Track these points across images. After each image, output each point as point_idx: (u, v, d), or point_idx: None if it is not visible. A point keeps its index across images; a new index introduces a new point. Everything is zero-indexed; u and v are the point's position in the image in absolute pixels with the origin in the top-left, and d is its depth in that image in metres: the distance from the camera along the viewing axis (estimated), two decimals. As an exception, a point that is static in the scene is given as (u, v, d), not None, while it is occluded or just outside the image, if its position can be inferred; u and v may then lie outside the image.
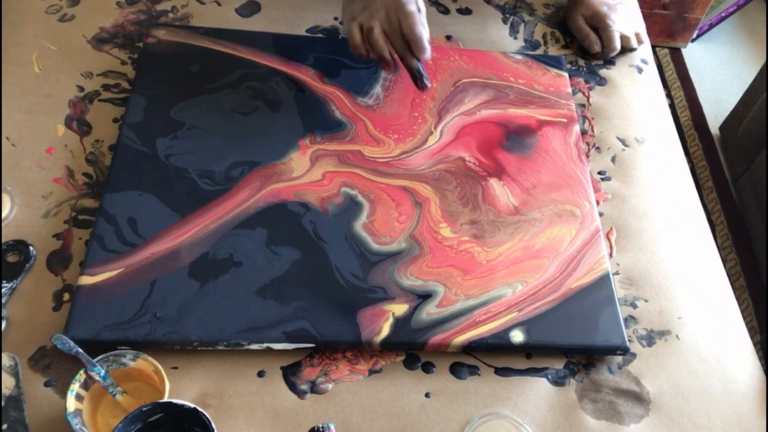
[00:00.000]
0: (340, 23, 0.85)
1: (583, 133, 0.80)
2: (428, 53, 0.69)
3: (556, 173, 0.73)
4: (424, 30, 0.68)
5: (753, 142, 1.60)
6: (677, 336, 0.66)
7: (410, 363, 0.61)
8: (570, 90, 0.81)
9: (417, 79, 0.71)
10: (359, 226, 0.66)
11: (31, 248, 0.62)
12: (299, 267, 0.62)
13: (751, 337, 0.89)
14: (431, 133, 0.75)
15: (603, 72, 0.86)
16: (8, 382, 0.54)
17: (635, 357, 0.64)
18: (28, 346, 0.57)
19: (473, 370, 0.61)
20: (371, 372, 0.60)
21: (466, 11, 0.90)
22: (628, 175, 0.77)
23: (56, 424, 0.54)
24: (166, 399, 0.52)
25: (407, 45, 0.69)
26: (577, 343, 0.62)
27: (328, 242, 0.64)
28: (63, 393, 0.55)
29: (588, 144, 0.79)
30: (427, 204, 0.69)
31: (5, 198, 0.65)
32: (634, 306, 0.67)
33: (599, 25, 0.87)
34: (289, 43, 0.79)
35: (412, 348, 0.61)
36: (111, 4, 0.82)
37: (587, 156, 0.78)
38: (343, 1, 0.71)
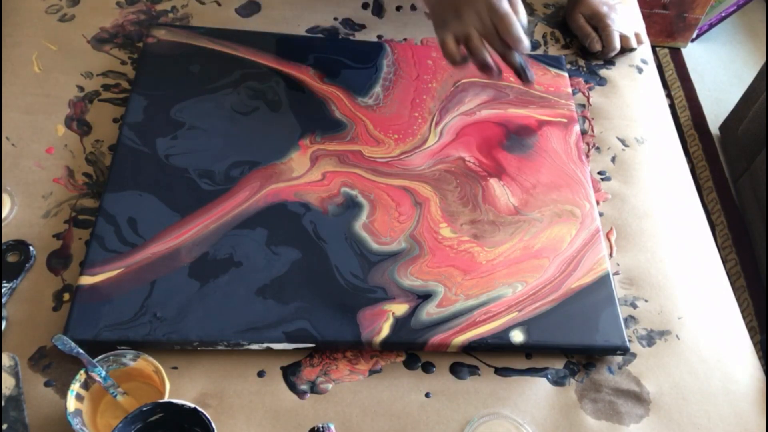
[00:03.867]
0: (336, 23, 0.85)
1: (583, 133, 0.80)
2: (527, 45, 0.67)
3: (556, 173, 0.73)
4: (521, 27, 0.67)
5: (753, 142, 1.60)
6: (677, 336, 0.66)
7: (410, 363, 0.61)
8: (570, 90, 0.81)
9: (521, 73, 0.70)
10: (359, 226, 0.66)
11: (31, 248, 0.62)
12: (299, 267, 0.62)
13: (751, 337, 0.89)
14: (431, 133, 0.75)
15: (603, 72, 0.86)
16: (8, 382, 0.54)
17: (635, 357, 0.64)
18: (28, 346, 0.57)
19: (473, 370, 0.61)
20: (371, 372, 0.60)
21: (466, 11, 0.90)
22: (628, 175, 0.77)
23: (56, 424, 0.54)
24: (166, 399, 0.52)
25: (506, 44, 0.68)
26: (577, 343, 0.62)
27: (328, 242, 0.64)
28: (63, 393, 0.55)
29: (588, 144, 0.79)
30: (427, 204, 0.69)
31: (5, 198, 0.65)
32: (634, 306, 0.67)
33: (599, 24, 0.87)
34: (289, 43, 0.79)
35: (412, 348, 0.61)
36: (111, 4, 0.82)
37: (587, 156, 0.78)
38: (431, 12, 0.71)
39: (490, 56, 0.69)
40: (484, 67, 0.69)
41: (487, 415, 0.59)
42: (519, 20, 0.67)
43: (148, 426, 0.51)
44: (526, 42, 0.67)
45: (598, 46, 0.87)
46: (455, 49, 0.68)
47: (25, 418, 0.53)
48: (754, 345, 0.67)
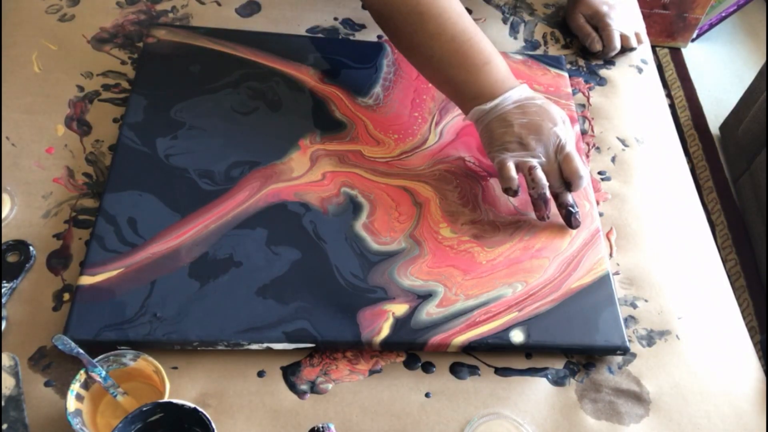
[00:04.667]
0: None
1: (583, 133, 0.80)
2: (584, 185, 0.68)
3: (556, 173, 0.73)
4: (586, 170, 0.67)
5: (753, 142, 1.60)
6: (677, 336, 0.66)
7: (410, 363, 0.61)
8: (570, 90, 0.81)
9: (571, 215, 0.68)
10: (359, 226, 0.66)
11: (31, 248, 0.62)
12: (299, 267, 0.62)
13: (751, 337, 0.89)
14: (431, 133, 0.75)
15: (603, 72, 0.86)
16: (8, 382, 0.54)
17: (635, 357, 0.64)
18: (28, 346, 0.57)
19: (473, 370, 0.61)
20: (371, 372, 0.60)
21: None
22: (628, 175, 0.77)
23: (56, 424, 0.54)
24: (166, 399, 0.52)
25: (565, 183, 0.68)
26: (577, 343, 0.62)
27: (328, 242, 0.64)
28: (63, 393, 0.55)
29: (588, 144, 0.79)
30: (427, 204, 0.69)
31: (5, 198, 0.65)
32: (634, 306, 0.67)
33: (599, 24, 0.87)
34: (289, 43, 0.79)
35: (412, 348, 0.61)
36: (111, 4, 0.82)
37: (587, 156, 0.78)
38: (487, 133, 0.68)
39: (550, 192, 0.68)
40: (540, 201, 0.67)
41: (487, 415, 0.59)
42: (584, 163, 0.67)
43: (148, 426, 0.51)
44: (587, 180, 0.68)
45: (598, 46, 0.87)
46: (515, 176, 0.66)
47: (25, 418, 0.53)
48: (754, 345, 0.67)
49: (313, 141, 0.72)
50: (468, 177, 0.72)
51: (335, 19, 0.86)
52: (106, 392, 0.54)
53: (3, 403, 0.53)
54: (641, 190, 0.75)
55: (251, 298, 0.60)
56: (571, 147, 0.67)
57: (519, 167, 0.67)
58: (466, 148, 0.74)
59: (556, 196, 0.69)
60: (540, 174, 0.66)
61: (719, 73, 1.96)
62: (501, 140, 0.67)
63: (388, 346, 0.60)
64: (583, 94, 0.84)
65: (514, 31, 0.89)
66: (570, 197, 0.68)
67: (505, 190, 0.67)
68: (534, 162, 0.66)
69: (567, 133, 0.67)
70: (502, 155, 0.67)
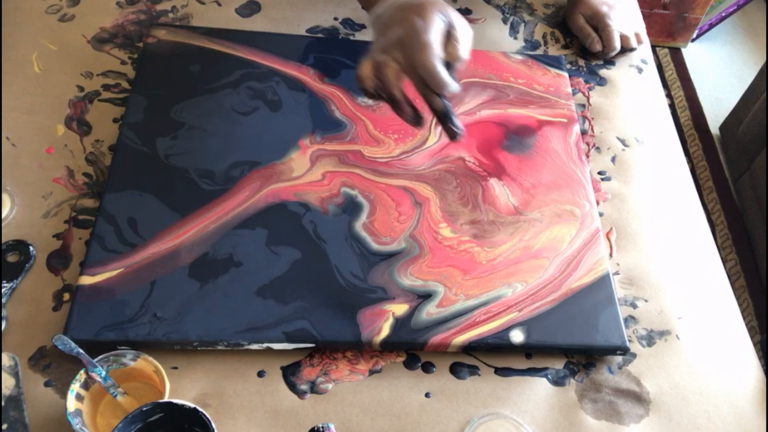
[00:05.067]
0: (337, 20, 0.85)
1: (583, 133, 0.80)
2: (453, 87, 0.56)
3: (556, 173, 0.73)
4: (440, 64, 0.55)
5: (753, 142, 1.60)
6: (677, 336, 0.66)
7: (410, 363, 0.61)
8: (570, 90, 0.81)
9: (444, 123, 0.58)
10: (359, 226, 0.66)
11: (31, 248, 0.62)
12: (299, 267, 0.62)
13: (751, 337, 0.89)
14: (431, 133, 0.75)
15: (603, 72, 0.86)
16: (8, 382, 0.54)
17: (635, 357, 0.64)
18: (28, 346, 0.57)
19: (473, 370, 0.61)
20: (371, 372, 0.60)
21: (466, 11, 0.90)
22: (628, 175, 0.77)
23: (56, 424, 0.54)
24: (166, 399, 0.52)
25: (427, 84, 0.57)
26: (577, 343, 0.62)
27: (328, 242, 0.64)
28: (63, 393, 0.55)
29: (588, 144, 0.79)
30: (427, 204, 0.69)
31: (5, 198, 0.65)
32: (634, 306, 0.67)
33: (599, 24, 0.87)
34: (289, 43, 0.79)
35: (412, 348, 0.61)
36: (111, 4, 0.82)
37: (587, 156, 0.78)
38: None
39: (403, 93, 0.58)
40: (392, 104, 0.59)
41: (487, 415, 0.59)
42: (457, 54, 0.57)
43: (148, 426, 0.51)
44: (448, 84, 0.55)
45: (598, 47, 0.86)
46: (367, 76, 0.58)
47: (25, 418, 0.53)
48: (754, 345, 0.67)
49: (313, 141, 0.72)
50: (468, 177, 0.72)
51: (335, 19, 0.86)
52: (106, 392, 0.54)
53: (3, 403, 0.53)
54: (641, 190, 0.75)
55: (251, 298, 0.60)
56: (427, 34, 0.54)
57: (375, 67, 0.58)
58: (466, 148, 0.74)
59: (424, 99, 0.58)
60: (386, 71, 0.57)
61: (719, 73, 1.96)
62: (375, 37, 0.60)
63: (388, 346, 0.60)
64: (583, 94, 0.84)
65: (514, 31, 0.89)
66: (441, 101, 0.57)
67: (362, 92, 0.60)
68: (385, 58, 0.57)
69: (433, 25, 0.55)
70: (366, 55, 0.59)
